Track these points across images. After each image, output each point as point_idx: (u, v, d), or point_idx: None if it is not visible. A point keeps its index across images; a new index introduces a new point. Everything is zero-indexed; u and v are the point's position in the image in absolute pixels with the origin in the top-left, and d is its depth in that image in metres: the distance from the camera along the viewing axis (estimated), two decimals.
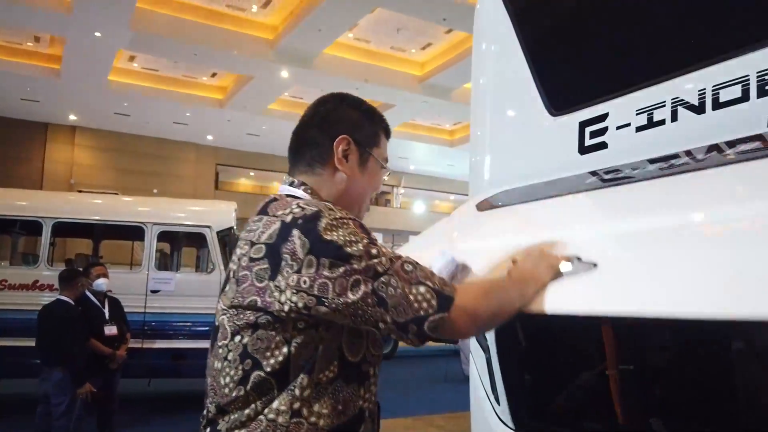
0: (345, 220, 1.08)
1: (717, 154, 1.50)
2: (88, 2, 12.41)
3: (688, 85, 1.64)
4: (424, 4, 13.07)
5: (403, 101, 18.41)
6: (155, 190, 20.21)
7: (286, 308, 1.03)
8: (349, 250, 1.03)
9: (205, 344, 4.97)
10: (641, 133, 1.77)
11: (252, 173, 26.26)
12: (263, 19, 15.81)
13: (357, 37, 16.25)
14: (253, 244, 1.10)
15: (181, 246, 7.51)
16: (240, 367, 1.07)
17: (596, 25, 2.04)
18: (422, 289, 1.03)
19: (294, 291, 1.02)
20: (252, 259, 1.08)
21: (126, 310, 5.69)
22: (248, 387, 1.06)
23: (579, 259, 1.16)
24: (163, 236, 6.61)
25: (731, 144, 1.45)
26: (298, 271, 1.02)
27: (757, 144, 1.38)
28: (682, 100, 1.65)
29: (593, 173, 1.79)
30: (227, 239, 6.49)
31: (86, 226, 6.38)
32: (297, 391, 1.04)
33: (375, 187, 1.35)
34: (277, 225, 1.08)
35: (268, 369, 1.05)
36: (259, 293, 1.05)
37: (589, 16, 2.07)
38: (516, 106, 2.30)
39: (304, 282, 1.02)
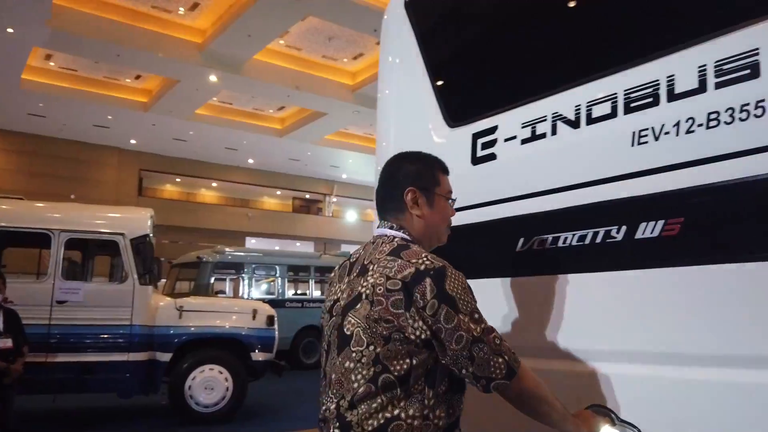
0: (462, 282, 1.43)
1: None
2: None
3: (566, 101, 1.72)
4: (356, 14, 13.14)
5: (335, 110, 18.40)
6: (73, 196, 19.24)
7: (418, 332, 1.37)
8: (460, 306, 1.38)
9: (115, 357, 4.72)
10: (525, 145, 1.84)
11: (178, 179, 25.49)
12: (191, 22, 15.42)
13: (288, 45, 16.13)
14: (388, 278, 1.41)
15: (94, 254, 7.16)
16: (372, 369, 1.38)
17: (490, 44, 2.12)
18: (500, 359, 1.37)
19: (423, 322, 1.36)
20: (388, 290, 1.40)
21: (29, 321, 5.36)
22: (378, 385, 1.36)
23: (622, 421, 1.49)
24: (73, 244, 6.27)
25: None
26: (423, 308, 1.36)
27: None
28: (561, 115, 1.73)
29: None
30: (141, 247, 6.24)
31: None
32: (425, 401, 1.38)
33: (447, 217, 1.64)
34: (412, 269, 1.40)
35: (395, 373, 1.37)
36: (395, 317, 1.38)
37: (484, 36, 2.14)
38: (418, 117, 2.34)
39: (428, 321, 1.36)
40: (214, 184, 26.34)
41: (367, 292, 1.43)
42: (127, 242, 6.03)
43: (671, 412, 1.44)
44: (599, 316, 1.61)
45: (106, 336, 5.94)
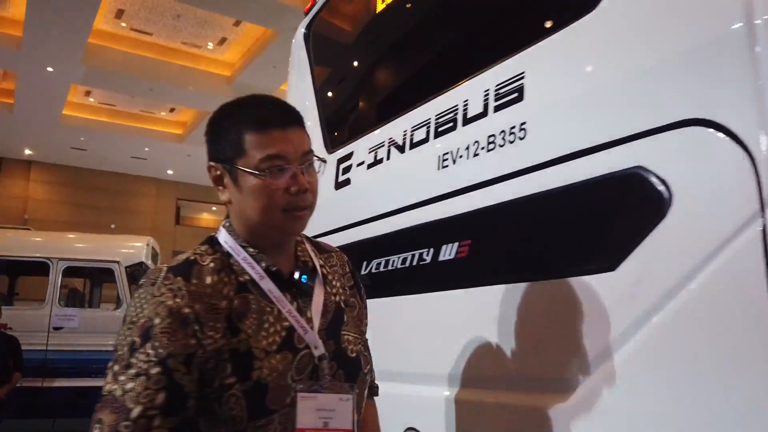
0: (139, 314, 0.98)
1: None
2: (38, 38, 12.49)
3: (397, 128, 1.75)
4: None
5: None
6: (113, 226, 20.00)
7: None
8: (116, 344, 0.98)
9: None
10: (370, 170, 1.87)
11: (214, 208, 26.15)
12: (220, 56, 15.98)
13: None
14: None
15: (99, 282, 7.42)
16: None
17: (351, 78, 2.22)
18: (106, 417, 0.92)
19: None
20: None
21: (28, 347, 5.58)
22: None
23: None
24: (74, 272, 6.54)
25: None
26: None
27: None
28: (393, 140, 1.76)
29: None
30: (137, 274, 6.44)
31: None
32: None
33: (265, 196, 1.05)
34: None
35: None
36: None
37: (347, 72, 2.24)
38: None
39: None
40: None
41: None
42: (121, 269, 6.24)
43: None
44: (413, 339, 1.60)
45: (101, 361, 6.12)
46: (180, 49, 15.57)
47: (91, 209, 21.08)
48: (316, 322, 1.09)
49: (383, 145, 1.79)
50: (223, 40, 15.33)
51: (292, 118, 1.09)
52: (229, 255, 1.08)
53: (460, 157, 1.46)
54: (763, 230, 0.87)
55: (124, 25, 14.48)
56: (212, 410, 0.97)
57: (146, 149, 19.98)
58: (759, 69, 0.89)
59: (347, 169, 1.98)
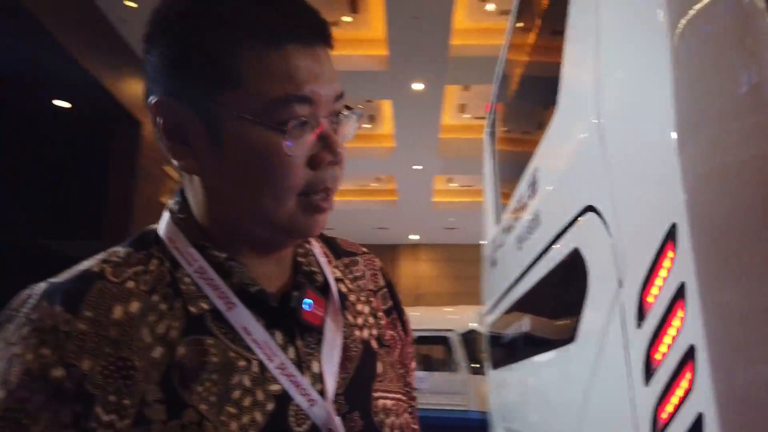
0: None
1: None
2: (403, 145, 15.38)
3: (507, 209, 1.98)
4: None
5: None
6: None
7: None
8: None
9: None
10: (502, 250, 2.10)
11: None
12: None
13: None
14: None
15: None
16: None
17: (501, 168, 2.46)
18: None
19: None
20: None
21: None
22: None
23: None
24: (420, 341, 7.70)
25: None
26: None
27: None
28: (508, 226, 1.99)
29: None
30: (469, 339, 7.25)
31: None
32: None
33: (273, 174, 0.59)
34: None
35: None
36: None
37: (501, 162, 2.51)
38: (489, 210, 2.80)
39: None
40: None
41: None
42: (455, 337, 7.13)
43: None
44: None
45: (440, 419, 6.97)
46: None
47: (466, 279, 23.53)
48: (331, 381, 0.63)
49: (508, 229, 2.03)
50: None
51: (319, 27, 0.62)
52: (174, 264, 0.62)
53: (524, 240, 1.64)
54: None
55: (467, 116, 16.53)
56: None
57: None
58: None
59: (494, 251, 2.25)
